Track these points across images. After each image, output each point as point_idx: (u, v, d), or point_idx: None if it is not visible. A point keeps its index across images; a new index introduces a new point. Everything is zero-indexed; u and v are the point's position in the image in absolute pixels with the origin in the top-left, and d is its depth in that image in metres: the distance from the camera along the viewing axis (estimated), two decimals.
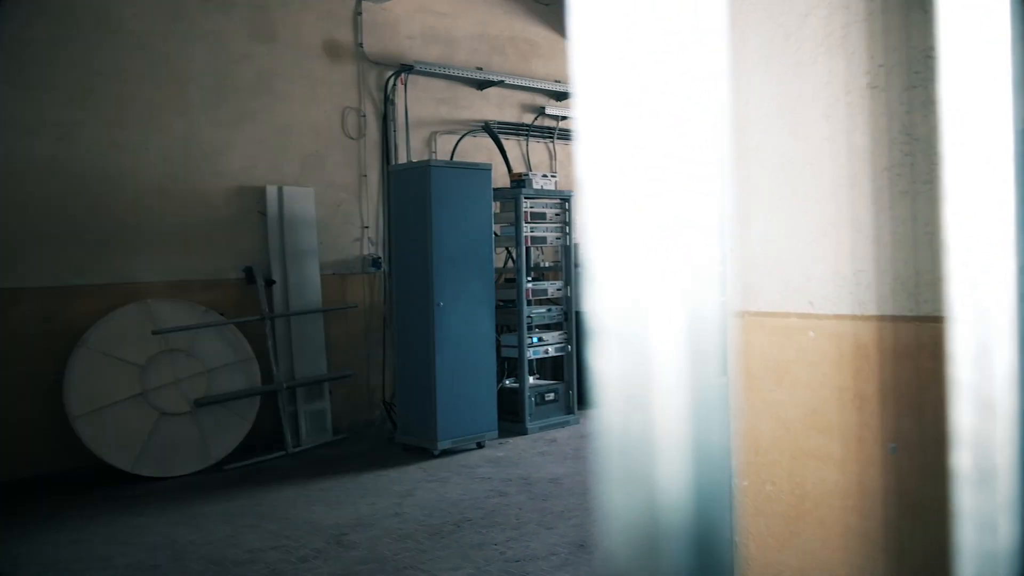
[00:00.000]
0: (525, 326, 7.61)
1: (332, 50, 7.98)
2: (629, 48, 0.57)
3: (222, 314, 7.00)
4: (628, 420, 0.57)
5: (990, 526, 0.79)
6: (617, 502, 0.57)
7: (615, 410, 0.58)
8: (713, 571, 0.57)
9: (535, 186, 7.76)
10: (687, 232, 0.57)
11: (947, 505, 0.84)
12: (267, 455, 6.84)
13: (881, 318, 1.90)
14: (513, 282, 7.78)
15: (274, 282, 7.37)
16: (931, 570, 1.78)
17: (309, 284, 7.62)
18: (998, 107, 0.82)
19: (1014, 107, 0.82)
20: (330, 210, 7.94)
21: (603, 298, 0.58)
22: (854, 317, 1.96)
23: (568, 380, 7.98)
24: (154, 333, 6.43)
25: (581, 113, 0.58)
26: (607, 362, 0.58)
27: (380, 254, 8.22)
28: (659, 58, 0.56)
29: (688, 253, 0.57)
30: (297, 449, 7.09)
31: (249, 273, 7.23)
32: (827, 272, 2.01)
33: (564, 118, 9.70)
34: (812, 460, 2.05)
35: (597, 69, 0.57)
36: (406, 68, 8.32)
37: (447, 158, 8.52)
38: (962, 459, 0.81)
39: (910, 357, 1.84)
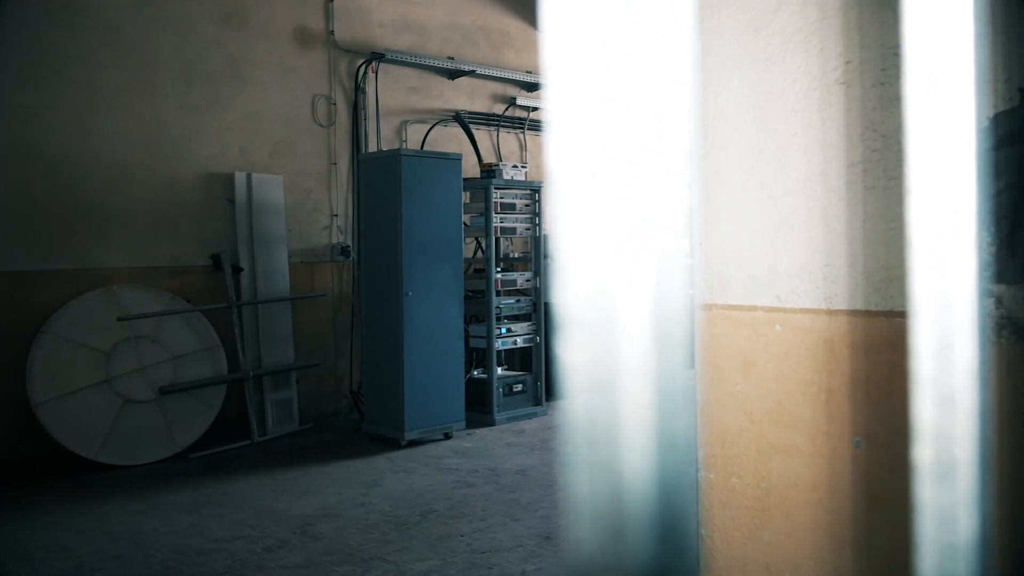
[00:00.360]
0: (494, 317, 7.61)
1: (303, 37, 7.90)
2: (601, 40, 0.57)
3: (188, 301, 6.93)
4: (595, 411, 0.57)
5: (950, 519, 0.80)
6: (583, 493, 0.58)
7: (582, 401, 0.58)
8: (679, 563, 0.57)
9: (505, 177, 7.75)
10: (656, 224, 0.57)
11: (910, 499, 0.85)
12: (233, 444, 6.79)
13: (848, 312, 1.92)
14: (482, 272, 7.77)
15: (242, 269, 7.31)
16: (895, 563, 1.80)
17: (277, 272, 7.56)
18: (961, 105, 0.83)
19: (976, 105, 0.83)
20: (299, 198, 7.88)
21: (571, 289, 0.58)
22: (820, 311, 1.97)
23: (536, 371, 7.99)
24: (119, 320, 6.35)
25: (551, 103, 0.58)
26: (575, 353, 0.58)
27: (349, 243, 8.18)
28: (630, 51, 0.57)
29: (657, 245, 0.57)
30: (263, 438, 7.05)
31: (216, 260, 7.16)
32: (794, 266, 2.02)
33: (535, 109, 9.69)
34: (778, 453, 2.07)
35: (568, 60, 0.57)
36: (377, 56, 8.27)
37: (418, 147, 8.49)
38: (924, 453, 0.82)
39: (877, 352, 1.86)
